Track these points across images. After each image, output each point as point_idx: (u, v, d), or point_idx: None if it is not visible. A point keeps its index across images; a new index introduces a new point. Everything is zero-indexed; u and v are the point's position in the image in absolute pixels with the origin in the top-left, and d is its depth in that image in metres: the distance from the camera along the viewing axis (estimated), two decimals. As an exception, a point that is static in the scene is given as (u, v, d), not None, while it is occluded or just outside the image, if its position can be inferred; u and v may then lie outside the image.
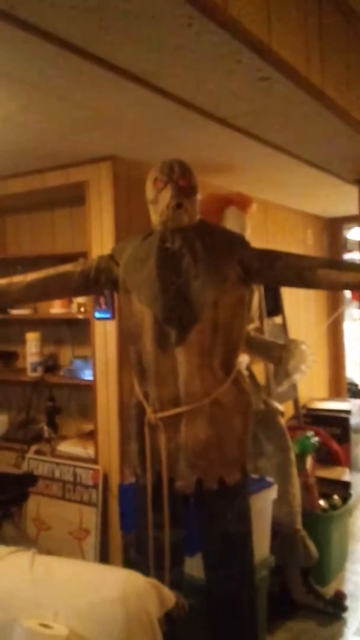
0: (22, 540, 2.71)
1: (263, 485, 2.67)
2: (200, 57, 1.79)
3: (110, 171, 2.95)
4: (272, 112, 2.35)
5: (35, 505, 3.19)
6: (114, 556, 3.03)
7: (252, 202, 2.96)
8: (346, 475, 3.75)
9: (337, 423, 4.46)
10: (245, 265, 2.07)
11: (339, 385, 5.65)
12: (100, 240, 2.97)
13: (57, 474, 3.17)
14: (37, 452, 3.30)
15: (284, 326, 4.25)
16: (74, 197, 3.17)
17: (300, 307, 4.89)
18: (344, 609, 3.04)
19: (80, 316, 3.29)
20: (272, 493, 2.71)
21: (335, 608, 3.03)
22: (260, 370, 3.51)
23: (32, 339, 3.48)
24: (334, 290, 5.18)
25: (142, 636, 1.60)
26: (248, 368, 2.93)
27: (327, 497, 3.28)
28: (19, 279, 2.28)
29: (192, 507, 2.15)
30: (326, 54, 2.22)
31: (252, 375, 3.01)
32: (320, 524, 3.10)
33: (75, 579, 1.74)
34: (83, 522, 3.05)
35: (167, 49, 1.73)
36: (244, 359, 2.77)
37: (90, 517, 3.04)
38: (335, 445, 3.96)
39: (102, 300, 2.97)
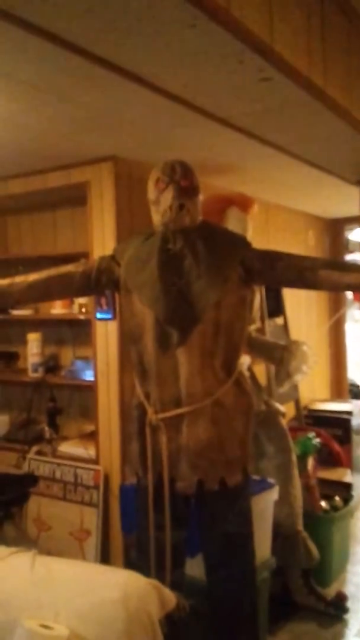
0: (22, 540, 2.70)
1: (264, 486, 2.67)
2: (203, 57, 1.79)
3: (111, 171, 2.94)
4: (273, 113, 2.35)
5: (36, 505, 3.19)
6: (114, 557, 3.03)
7: (254, 202, 2.96)
8: (348, 477, 3.75)
9: (339, 424, 4.46)
10: (246, 266, 2.07)
11: (341, 387, 5.64)
12: (102, 240, 2.97)
13: (58, 475, 3.16)
14: (38, 452, 3.30)
15: (285, 327, 4.24)
16: (76, 198, 3.16)
17: (302, 308, 4.88)
18: (345, 610, 3.03)
19: (82, 317, 3.29)
20: (274, 494, 2.71)
21: (337, 609, 3.02)
22: (261, 371, 3.50)
23: (33, 339, 3.48)
24: (335, 291, 5.18)
25: (143, 637, 1.60)
26: (249, 369, 2.93)
27: (328, 498, 3.28)
28: (20, 279, 2.28)
29: (193, 508, 2.14)
30: (328, 55, 2.22)
31: (253, 376, 3.01)
32: (322, 526, 3.10)
33: (76, 579, 1.74)
34: (84, 523, 3.05)
35: (169, 49, 1.73)
36: (245, 359, 2.77)
37: (91, 518, 3.03)
38: (336, 447, 3.96)
39: (103, 300, 2.97)
